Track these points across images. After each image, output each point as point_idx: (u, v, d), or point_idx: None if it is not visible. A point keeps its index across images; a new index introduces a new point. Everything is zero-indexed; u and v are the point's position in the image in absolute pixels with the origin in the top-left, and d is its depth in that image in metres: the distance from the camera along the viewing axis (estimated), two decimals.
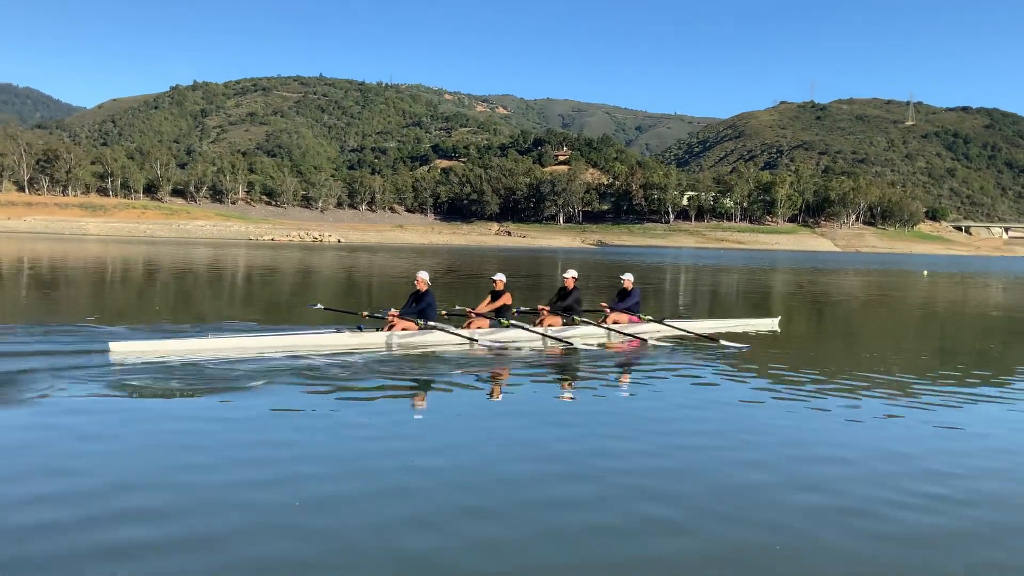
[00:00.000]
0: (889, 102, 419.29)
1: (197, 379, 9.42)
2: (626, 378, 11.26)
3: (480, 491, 5.89)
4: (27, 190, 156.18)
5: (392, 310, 13.01)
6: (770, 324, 17.34)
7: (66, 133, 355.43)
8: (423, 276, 13.38)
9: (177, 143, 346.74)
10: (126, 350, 10.90)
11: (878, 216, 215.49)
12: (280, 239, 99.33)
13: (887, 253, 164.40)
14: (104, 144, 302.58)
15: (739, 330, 16.12)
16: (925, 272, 53.95)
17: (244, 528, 5.01)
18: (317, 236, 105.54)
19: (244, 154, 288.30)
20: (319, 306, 14.26)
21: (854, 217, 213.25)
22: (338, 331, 12.65)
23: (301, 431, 7.41)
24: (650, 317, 15.44)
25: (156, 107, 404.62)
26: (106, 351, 10.72)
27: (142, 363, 10.27)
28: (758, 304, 27.43)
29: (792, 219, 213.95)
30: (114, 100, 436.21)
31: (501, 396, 9.69)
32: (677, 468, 6.65)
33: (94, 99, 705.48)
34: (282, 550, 4.71)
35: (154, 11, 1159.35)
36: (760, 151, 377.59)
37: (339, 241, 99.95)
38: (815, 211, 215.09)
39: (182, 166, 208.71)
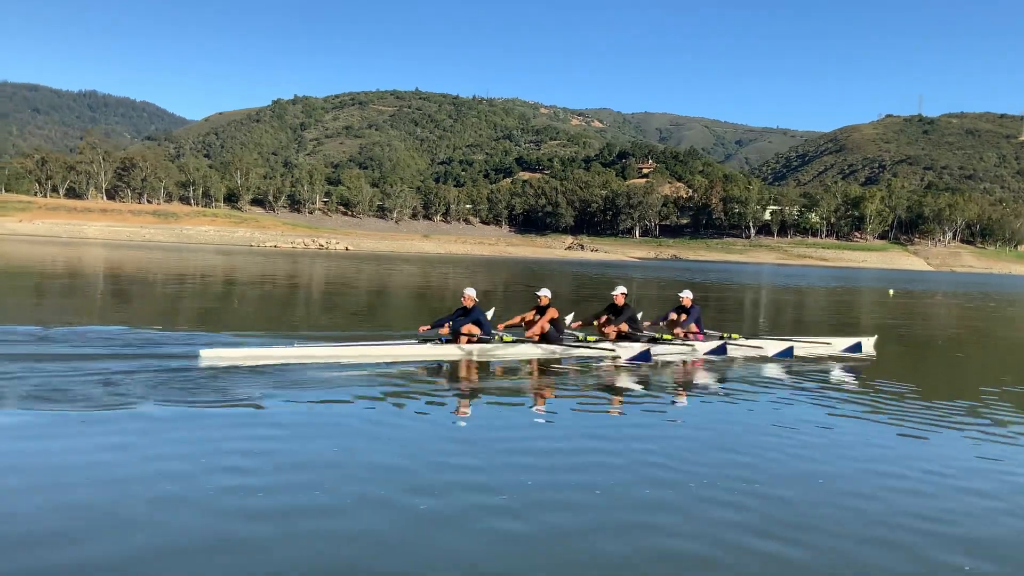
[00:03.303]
0: (1002, 116, 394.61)
1: (283, 386, 9.65)
2: (707, 396, 10.87)
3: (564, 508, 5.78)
4: (106, 197, 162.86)
5: (423, 327, 13.13)
6: (864, 343, 16.14)
7: (172, 144, 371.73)
8: (470, 293, 13.28)
9: (275, 155, 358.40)
10: (217, 356, 11.24)
11: (977, 234, 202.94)
12: (283, 246, 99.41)
13: (983, 274, 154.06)
14: (207, 155, 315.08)
15: (827, 349, 15.49)
16: (891, 291, 48.99)
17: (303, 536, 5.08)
18: (323, 243, 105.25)
19: (337, 166, 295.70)
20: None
21: (950, 235, 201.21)
22: (420, 342, 12.84)
23: (384, 440, 7.51)
24: (726, 333, 15.13)
25: (258, 120, 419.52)
26: (197, 356, 11.10)
27: (231, 369, 10.54)
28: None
29: (883, 236, 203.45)
30: (219, 113, 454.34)
31: (576, 411, 9.41)
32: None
33: (203, 112, 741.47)
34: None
35: (261, 28, 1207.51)
36: (861, 165, 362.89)
37: (347, 249, 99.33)
38: (908, 227, 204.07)
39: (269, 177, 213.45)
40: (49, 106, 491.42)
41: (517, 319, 14.01)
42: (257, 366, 10.83)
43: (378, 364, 11.56)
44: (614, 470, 6.73)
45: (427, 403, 9.20)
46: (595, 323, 14.57)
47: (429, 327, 12.98)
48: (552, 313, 13.54)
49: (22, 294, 23.36)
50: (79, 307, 19.51)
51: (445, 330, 12.79)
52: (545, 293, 13.77)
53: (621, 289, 14.53)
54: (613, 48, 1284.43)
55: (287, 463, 6.52)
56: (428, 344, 12.67)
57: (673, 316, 14.97)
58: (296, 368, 10.85)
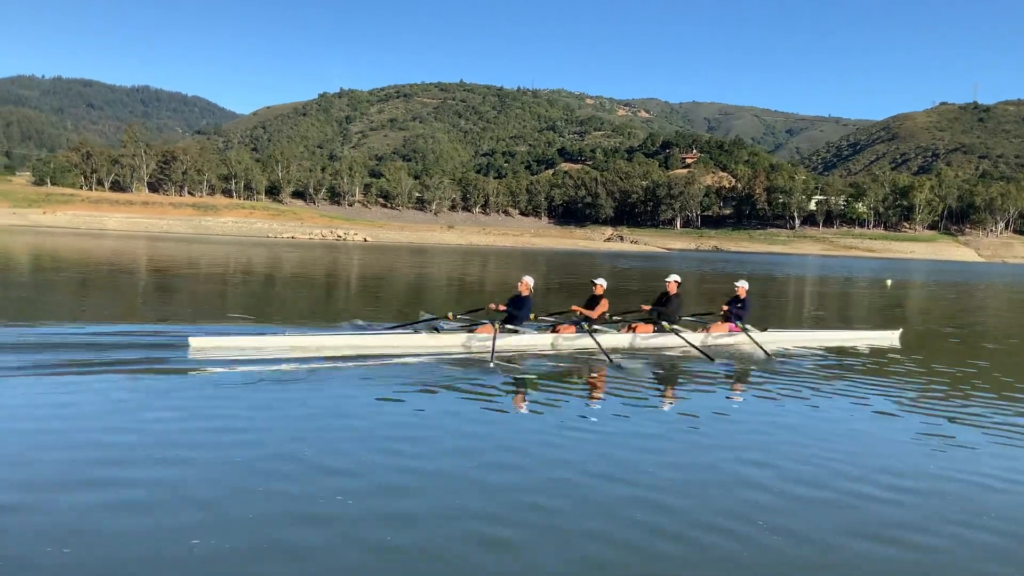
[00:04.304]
0: None
1: (272, 375, 9.69)
2: (723, 390, 10.63)
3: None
4: (148, 190, 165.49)
5: (495, 305, 13.06)
6: (890, 338, 16.16)
7: (221, 139, 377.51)
8: (528, 280, 13.27)
9: (321, 148, 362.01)
10: (206, 345, 11.13)
11: None
12: (300, 237, 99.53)
13: None
14: (254, 149, 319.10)
15: (853, 343, 15.20)
16: (888, 282, 47.15)
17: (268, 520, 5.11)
18: (342, 234, 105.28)
19: (380, 159, 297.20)
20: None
21: (1003, 225, 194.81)
22: (415, 332, 12.56)
23: (365, 428, 7.50)
24: (750, 326, 14.74)
25: (304, 114, 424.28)
26: (186, 346, 10.98)
27: (220, 358, 10.56)
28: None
29: (933, 226, 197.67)
30: (267, 107, 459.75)
31: (566, 405, 9.21)
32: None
33: (252, 106, 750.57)
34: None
35: (308, 22, 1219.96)
36: (914, 154, 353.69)
37: (365, 240, 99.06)
38: (959, 218, 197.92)
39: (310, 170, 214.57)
40: (103, 101, 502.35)
41: (594, 313, 13.64)
42: (246, 356, 10.79)
43: (369, 354, 11.39)
44: (588, 469, 6.54)
45: (405, 396, 9.00)
46: (643, 307, 14.45)
47: (504, 306, 13.00)
48: (602, 306, 13.49)
49: None
50: None
51: (500, 308, 12.87)
52: (601, 282, 13.72)
53: (675, 277, 14.41)
54: (661, 37, 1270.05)
55: (261, 453, 6.51)
56: (423, 334, 12.40)
57: (725, 308, 14.91)
58: (284, 358, 10.73)
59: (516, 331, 12.72)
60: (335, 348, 11.57)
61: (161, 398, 8.21)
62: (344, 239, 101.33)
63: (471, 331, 12.55)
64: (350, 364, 10.62)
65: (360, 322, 14.19)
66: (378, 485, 5.80)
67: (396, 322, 14.10)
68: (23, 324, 13.24)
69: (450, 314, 12.98)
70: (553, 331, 13.21)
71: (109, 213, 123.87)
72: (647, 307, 14.25)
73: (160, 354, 10.65)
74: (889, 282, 46.76)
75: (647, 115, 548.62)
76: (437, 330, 12.54)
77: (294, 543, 4.75)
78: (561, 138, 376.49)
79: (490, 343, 12.10)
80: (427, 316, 13.16)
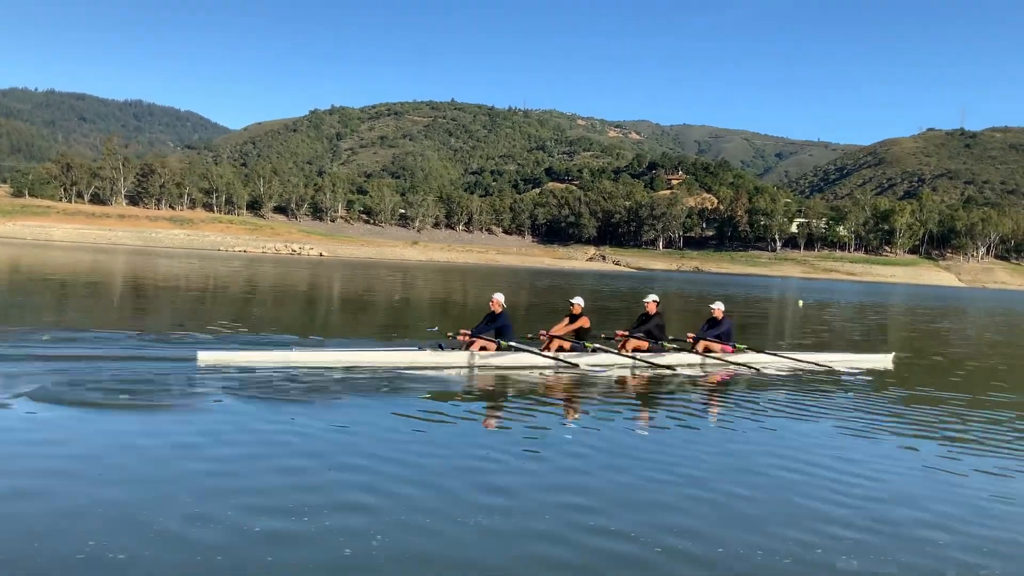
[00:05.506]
0: None
1: (278, 390, 9.74)
2: (716, 410, 10.80)
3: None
4: (128, 203, 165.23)
5: (463, 331, 13.10)
6: (882, 361, 16.40)
7: (211, 153, 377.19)
8: (498, 298, 13.48)
9: (310, 164, 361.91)
10: (214, 359, 11.23)
11: (1012, 250, 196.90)
12: (252, 251, 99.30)
13: (1018, 291, 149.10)
14: (243, 164, 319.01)
15: (846, 365, 15.30)
16: (800, 302, 46.73)
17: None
18: (296, 249, 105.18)
19: (369, 175, 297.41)
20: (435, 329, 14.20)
21: (984, 250, 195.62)
22: (420, 349, 12.82)
23: (375, 446, 7.46)
24: (745, 346, 15.00)
25: (295, 130, 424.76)
26: (194, 359, 11.10)
27: (228, 372, 10.61)
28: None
29: (914, 250, 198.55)
30: (258, 123, 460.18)
31: (577, 421, 9.48)
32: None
33: (245, 122, 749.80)
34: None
35: (302, 40, 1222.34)
36: (900, 179, 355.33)
37: (321, 255, 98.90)
38: (940, 242, 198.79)
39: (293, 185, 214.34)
40: (95, 115, 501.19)
41: (559, 327, 13.90)
42: (254, 370, 10.88)
43: (376, 370, 11.55)
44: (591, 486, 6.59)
45: (417, 411, 9.08)
46: (616, 333, 14.39)
47: (468, 334, 13.00)
48: (582, 322, 13.67)
49: None
50: None
51: (465, 336, 12.92)
52: (578, 301, 13.91)
53: (653, 298, 14.58)
54: (654, 60, 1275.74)
55: (270, 468, 6.52)
56: (428, 351, 12.66)
57: (691, 337, 14.99)
58: (292, 373, 10.90)
59: (519, 348, 12.94)
60: (342, 364, 11.72)
61: (166, 414, 8.24)
62: (299, 253, 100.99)
63: (475, 348, 12.80)
64: (358, 379, 10.75)
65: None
66: (398, 505, 5.76)
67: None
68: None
69: (456, 334, 13.13)
70: (552, 348, 13.47)
71: (57, 224, 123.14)
72: (623, 332, 14.20)
73: (168, 367, 10.79)
74: (802, 303, 46.14)
75: (638, 137, 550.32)
76: (441, 347, 12.86)
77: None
78: (550, 158, 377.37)
79: (493, 360, 12.64)
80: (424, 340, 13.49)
